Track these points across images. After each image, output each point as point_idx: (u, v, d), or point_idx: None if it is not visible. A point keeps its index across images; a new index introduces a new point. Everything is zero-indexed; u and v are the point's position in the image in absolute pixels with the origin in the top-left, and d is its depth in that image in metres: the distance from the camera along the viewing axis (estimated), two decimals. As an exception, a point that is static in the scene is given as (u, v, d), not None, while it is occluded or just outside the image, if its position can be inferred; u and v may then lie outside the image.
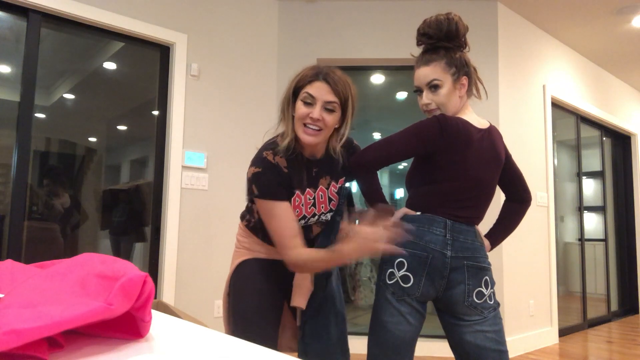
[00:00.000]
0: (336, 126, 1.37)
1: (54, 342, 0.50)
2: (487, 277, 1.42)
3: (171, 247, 3.00)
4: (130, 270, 0.58)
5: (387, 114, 3.90)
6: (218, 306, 3.20)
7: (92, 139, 2.90)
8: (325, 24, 3.70)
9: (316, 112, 1.29)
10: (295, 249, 1.31)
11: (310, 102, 1.30)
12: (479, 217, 1.48)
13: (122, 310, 0.53)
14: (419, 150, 1.45)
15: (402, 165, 4.00)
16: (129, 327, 0.57)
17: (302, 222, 1.41)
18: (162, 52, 3.14)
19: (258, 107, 3.55)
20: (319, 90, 1.30)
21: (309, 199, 1.40)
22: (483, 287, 1.40)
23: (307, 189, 1.40)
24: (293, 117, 1.35)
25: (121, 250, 3.02)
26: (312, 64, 1.39)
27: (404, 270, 1.45)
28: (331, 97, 1.30)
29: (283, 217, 1.32)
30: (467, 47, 1.53)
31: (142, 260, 3.04)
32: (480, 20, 3.68)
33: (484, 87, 1.59)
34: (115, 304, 0.52)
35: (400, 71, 3.83)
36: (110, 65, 2.98)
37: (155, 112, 3.12)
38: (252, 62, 3.55)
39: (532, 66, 4.08)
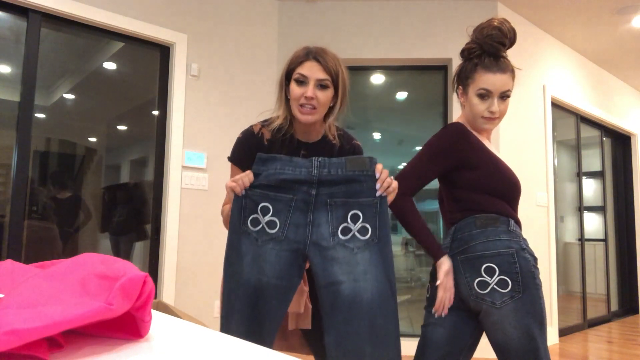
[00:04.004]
0: (331, 104, 1.41)
1: (54, 342, 0.50)
2: (489, 264, 1.33)
3: (171, 247, 2.99)
4: (130, 270, 0.58)
5: (387, 114, 3.89)
6: (218, 306, 3.20)
7: (92, 139, 2.90)
8: (325, 24, 3.70)
9: (310, 90, 1.34)
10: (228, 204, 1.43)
11: (303, 81, 1.35)
12: (452, 211, 1.49)
13: (122, 310, 0.53)
14: None
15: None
16: (129, 327, 0.57)
17: None
18: (162, 52, 3.14)
19: (258, 107, 3.55)
20: (311, 70, 1.35)
21: None
22: (484, 275, 1.33)
23: None
24: (288, 99, 1.41)
25: (121, 250, 3.02)
26: (302, 46, 1.42)
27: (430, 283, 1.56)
28: (322, 75, 1.35)
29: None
30: None
31: (142, 260, 3.04)
32: (480, 20, 3.66)
33: None
34: (115, 304, 0.52)
35: (400, 71, 3.83)
36: (110, 65, 2.98)
37: (155, 112, 3.12)
38: (252, 62, 3.55)
39: (532, 66, 4.08)
